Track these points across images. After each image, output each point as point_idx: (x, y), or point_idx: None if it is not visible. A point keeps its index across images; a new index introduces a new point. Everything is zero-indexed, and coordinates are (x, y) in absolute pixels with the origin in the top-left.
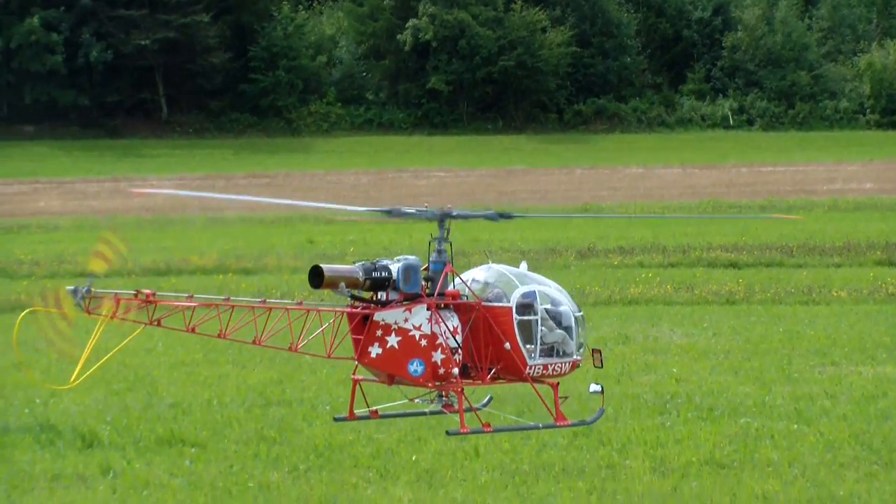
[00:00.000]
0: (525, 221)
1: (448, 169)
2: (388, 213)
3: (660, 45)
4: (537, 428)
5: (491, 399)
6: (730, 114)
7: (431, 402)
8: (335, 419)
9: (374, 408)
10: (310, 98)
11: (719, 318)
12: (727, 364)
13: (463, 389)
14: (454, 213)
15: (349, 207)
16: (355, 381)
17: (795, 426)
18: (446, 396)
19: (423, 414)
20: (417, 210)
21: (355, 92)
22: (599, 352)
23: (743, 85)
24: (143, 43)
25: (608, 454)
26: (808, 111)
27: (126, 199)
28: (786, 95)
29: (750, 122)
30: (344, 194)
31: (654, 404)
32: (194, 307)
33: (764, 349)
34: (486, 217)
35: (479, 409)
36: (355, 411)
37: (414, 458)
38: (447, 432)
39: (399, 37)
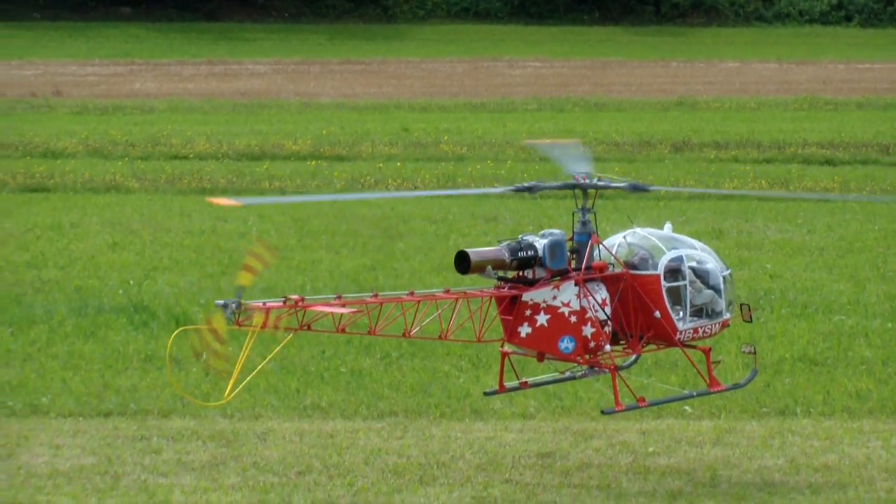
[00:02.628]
0: (619, 113)
1: (543, 59)
2: (529, 189)
3: None
4: (692, 396)
5: (637, 358)
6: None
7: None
8: (485, 393)
9: (524, 379)
10: None
11: (814, 214)
12: (821, 261)
13: (616, 368)
14: (594, 183)
15: (490, 189)
16: (504, 354)
17: (890, 325)
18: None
19: (573, 378)
20: (556, 184)
21: None
22: (748, 306)
23: None
24: None
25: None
26: None
27: (221, 81)
28: None
29: (848, 19)
30: (438, 83)
31: (747, 300)
32: (344, 309)
33: (859, 247)
34: (622, 188)
35: (627, 367)
36: (505, 384)
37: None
38: (602, 412)
39: None
